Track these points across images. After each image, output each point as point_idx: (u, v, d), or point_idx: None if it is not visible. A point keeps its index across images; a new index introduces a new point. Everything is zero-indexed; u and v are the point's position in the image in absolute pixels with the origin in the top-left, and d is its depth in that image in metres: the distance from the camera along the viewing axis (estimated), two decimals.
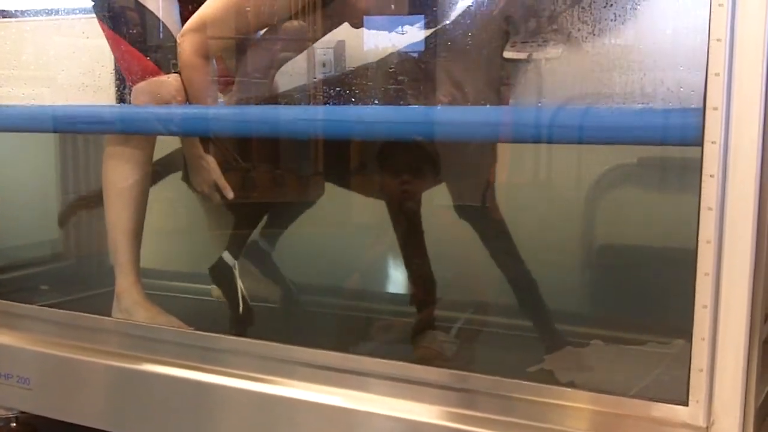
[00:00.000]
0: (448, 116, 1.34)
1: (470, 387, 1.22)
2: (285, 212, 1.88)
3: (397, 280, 1.95)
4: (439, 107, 1.46)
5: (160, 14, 1.58)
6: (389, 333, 1.73)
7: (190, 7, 1.61)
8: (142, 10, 1.57)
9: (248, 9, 1.53)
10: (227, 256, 1.73)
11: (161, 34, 1.59)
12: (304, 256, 1.98)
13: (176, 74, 1.57)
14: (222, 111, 1.62)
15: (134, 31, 1.58)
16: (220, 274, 1.74)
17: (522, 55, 1.39)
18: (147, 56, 1.58)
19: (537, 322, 1.59)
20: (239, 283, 1.72)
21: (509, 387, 1.20)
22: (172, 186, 1.82)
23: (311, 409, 1.31)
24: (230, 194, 1.64)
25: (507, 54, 1.39)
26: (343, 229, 1.96)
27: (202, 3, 1.62)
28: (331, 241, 1.98)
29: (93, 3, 1.63)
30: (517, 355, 1.56)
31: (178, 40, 1.55)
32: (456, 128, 1.32)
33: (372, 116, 1.42)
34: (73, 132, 2.11)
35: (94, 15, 1.63)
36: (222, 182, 1.62)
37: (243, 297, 1.71)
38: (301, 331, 1.80)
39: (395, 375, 1.28)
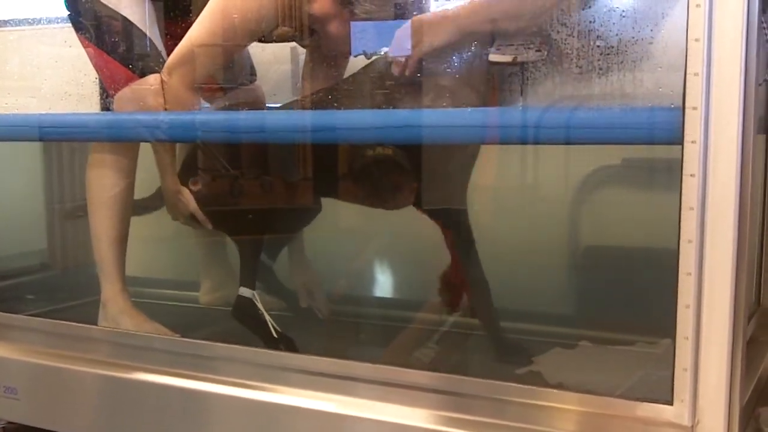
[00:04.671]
0: (432, 119, 1.33)
1: (460, 390, 1.23)
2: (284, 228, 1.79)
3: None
4: (423, 110, 1.44)
5: (138, 22, 1.57)
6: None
7: (171, 14, 1.61)
8: (121, 18, 1.56)
9: (234, 27, 1.49)
10: (244, 291, 1.61)
11: (139, 42, 1.57)
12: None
13: (157, 75, 1.54)
14: (209, 117, 1.59)
15: (112, 40, 1.56)
16: (243, 311, 1.61)
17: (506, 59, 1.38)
18: (127, 65, 1.56)
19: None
20: (265, 313, 1.59)
21: (498, 390, 1.20)
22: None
23: (303, 416, 1.31)
24: (209, 226, 1.60)
25: (492, 57, 1.38)
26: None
27: (181, 8, 1.61)
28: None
29: (69, 14, 1.62)
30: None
31: (163, 77, 1.52)
32: (442, 131, 1.31)
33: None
34: (57, 140, 2.10)
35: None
36: (200, 215, 1.58)
37: (273, 325, 1.58)
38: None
39: (387, 380, 1.27)
